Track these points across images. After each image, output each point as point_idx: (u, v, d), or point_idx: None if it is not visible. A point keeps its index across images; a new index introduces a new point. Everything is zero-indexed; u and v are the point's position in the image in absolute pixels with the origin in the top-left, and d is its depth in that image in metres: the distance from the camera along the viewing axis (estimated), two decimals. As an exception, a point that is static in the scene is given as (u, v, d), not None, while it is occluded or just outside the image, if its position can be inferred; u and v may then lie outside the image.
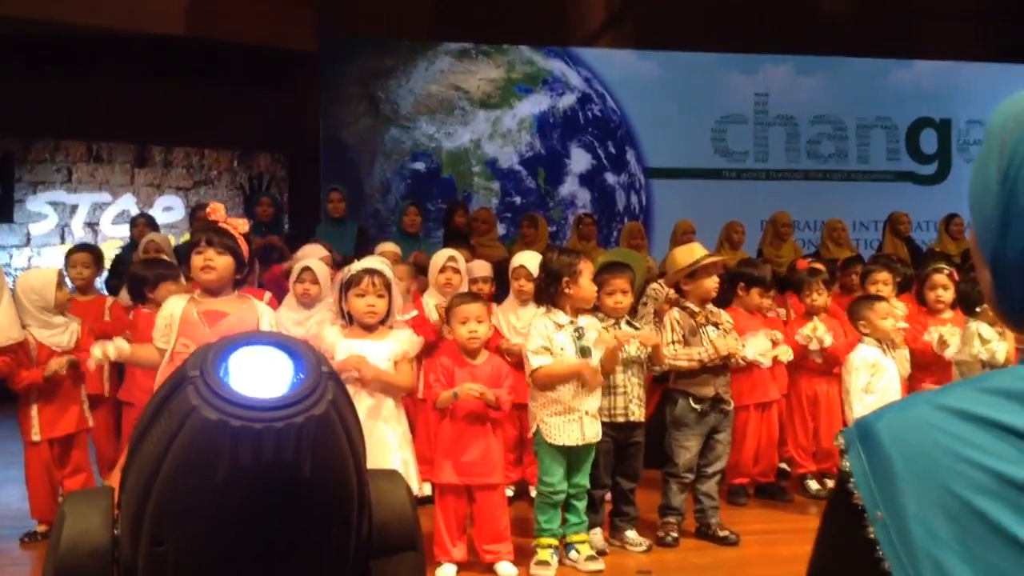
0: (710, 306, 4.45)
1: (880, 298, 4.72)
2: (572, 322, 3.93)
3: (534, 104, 9.94)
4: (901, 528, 0.65)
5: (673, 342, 4.26)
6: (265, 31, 8.84)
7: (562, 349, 3.85)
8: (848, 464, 0.69)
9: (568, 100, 10.03)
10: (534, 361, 3.83)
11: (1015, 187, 0.70)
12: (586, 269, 3.93)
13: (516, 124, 9.93)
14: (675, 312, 4.36)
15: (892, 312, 4.68)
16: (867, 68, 10.09)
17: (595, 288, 3.99)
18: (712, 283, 4.36)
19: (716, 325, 4.39)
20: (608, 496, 4.32)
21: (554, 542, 3.93)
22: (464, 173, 9.72)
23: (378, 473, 1.59)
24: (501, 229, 8.83)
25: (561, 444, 3.84)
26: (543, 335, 3.86)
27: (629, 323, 4.34)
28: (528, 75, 9.98)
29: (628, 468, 4.25)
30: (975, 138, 10.45)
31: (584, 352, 3.86)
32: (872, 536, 0.66)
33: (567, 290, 3.88)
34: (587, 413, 3.88)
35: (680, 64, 10.06)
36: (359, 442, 1.27)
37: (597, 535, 4.19)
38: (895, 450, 0.67)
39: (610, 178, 10.13)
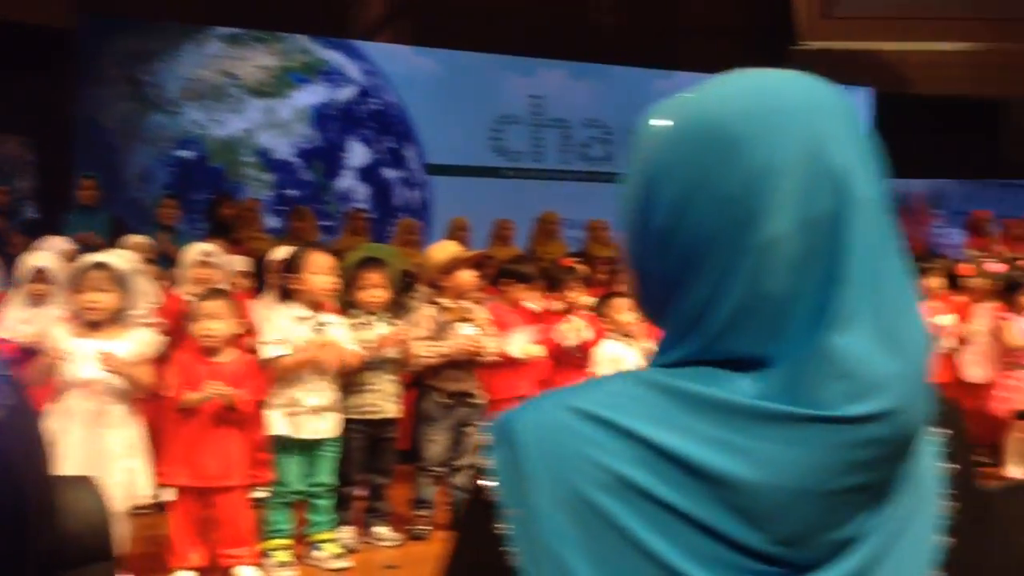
0: (465, 302, 4.52)
1: (620, 293, 4.93)
2: (314, 316, 3.89)
3: (311, 95, 9.73)
4: (531, 526, 0.67)
5: (423, 338, 4.29)
6: (16, 6, 8.15)
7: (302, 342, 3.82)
8: (487, 461, 0.70)
9: (347, 92, 9.91)
10: (269, 352, 3.77)
11: (653, 201, 0.72)
12: (313, 263, 3.91)
13: (292, 114, 9.69)
14: (428, 308, 4.41)
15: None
16: (633, 77, 10.58)
17: (328, 282, 3.96)
18: (468, 278, 4.43)
19: (471, 321, 4.47)
20: (364, 492, 4.31)
21: (287, 543, 3.87)
22: (234, 163, 9.38)
23: (69, 481, 1.52)
24: (275, 222, 8.60)
25: (289, 438, 3.80)
26: (279, 327, 3.82)
27: (388, 320, 4.36)
28: (305, 64, 9.76)
29: (380, 464, 4.25)
30: (730, 146, 11.21)
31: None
32: (505, 531, 0.68)
33: (295, 284, 3.86)
34: (320, 408, 3.85)
35: (459, 63, 10.16)
36: (40, 449, 1.23)
37: (347, 533, 4.16)
38: (530, 449, 0.68)
39: (389, 173, 10.10)
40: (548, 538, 0.66)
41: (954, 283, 6.34)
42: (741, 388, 0.67)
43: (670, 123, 0.72)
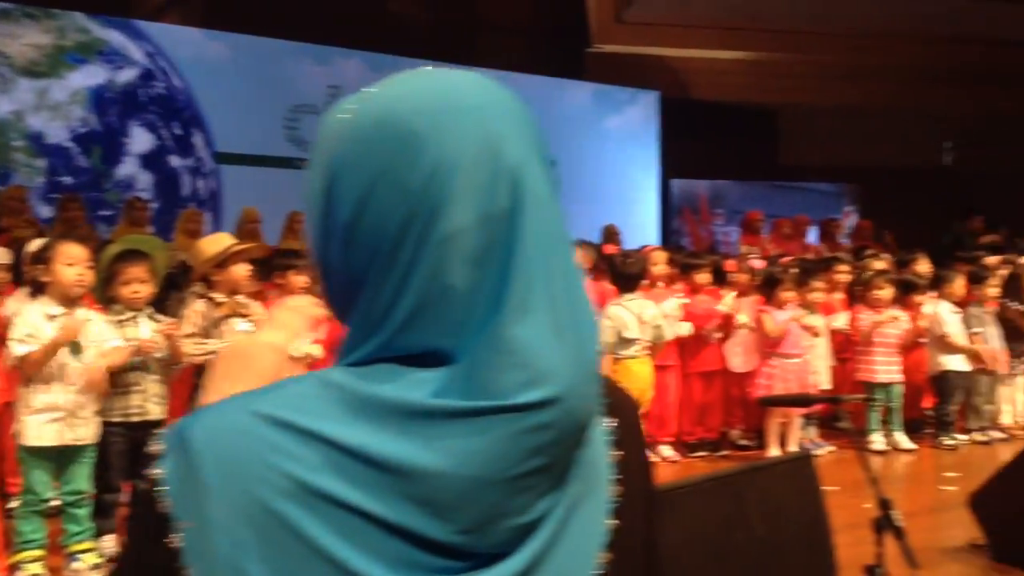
0: (240, 296, 4.39)
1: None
2: (66, 313, 3.66)
3: (88, 76, 9.13)
4: (206, 537, 0.64)
5: (191, 335, 4.13)
6: None
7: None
8: (158, 470, 0.67)
9: (128, 75, 9.36)
10: (18, 349, 3.52)
11: (334, 201, 0.72)
12: (64, 254, 3.69)
13: (67, 96, 9.05)
14: (198, 304, 4.24)
15: None
16: (433, 70, 10.58)
17: (78, 274, 3.74)
18: (241, 271, 4.29)
19: (246, 317, 4.34)
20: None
21: (39, 554, 3.63)
22: (2, 147, 8.67)
23: None
24: (49, 211, 8.02)
25: (41, 446, 3.57)
26: (29, 323, 3.57)
27: (151, 316, 4.16)
28: (82, 44, 9.13)
29: (144, 469, 4.05)
30: (527, 143, 11.45)
31: (75, 349, 3.61)
32: (177, 546, 0.64)
33: (45, 277, 3.63)
34: (74, 412, 3.64)
35: (252, 48, 9.82)
36: None
37: (109, 542, 3.95)
38: (207, 456, 0.65)
39: (175, 161, 9.63)
40: (225, 551, 0.64)
41: (722, 278, 6.75)
42: (422, 383, 0.68)
43: (352, 117, 0.72)
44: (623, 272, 5.75)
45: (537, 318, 0.67)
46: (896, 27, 12.28)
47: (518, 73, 11.27)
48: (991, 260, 7.45)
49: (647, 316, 5.62)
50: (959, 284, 6.71)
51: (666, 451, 6.26)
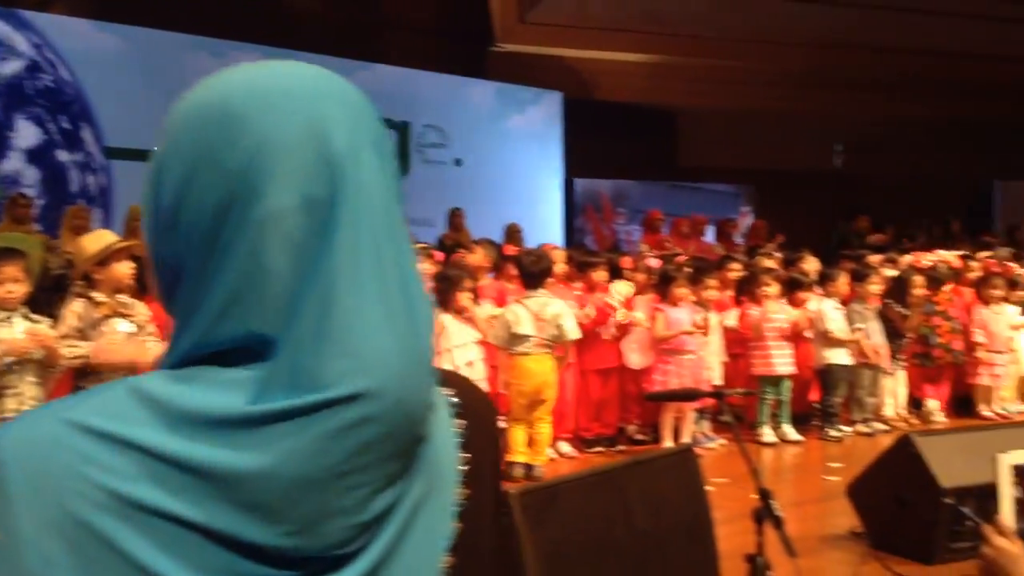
0: (122, 296, 4.24)
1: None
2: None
3: (-31, 67, 8.73)
4: (14, 551, 0.61)
5: (66, 336, 3.98)
6: None
7: None
8: None
9: (13, 67, 8.97)
10: None
11: (159, 188, 0.70)
12: None
13: (-54, 88, 8.65)
14: (76, 304, 4.09)
15: None
16: (333, 67, 10.21)
17: None
18: (124, 270, 4.15)
19: (128, 317, 4.20)
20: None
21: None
22: None
23: None
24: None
25: None
26: None
27: (26, 316, 4.00)
28: (-38, 33, 8.74)
29: None
30: (431, 141, 11.43)
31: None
32: None
33: None
34: None
35: (143, 40, 9.52)
36: None
37: None
38: (14, 468, 0.62)
39: (63, 156, 9.28)
40: (34, 565, 0.61)
41: (619, 276, 6.85)
42: (240, 385, 0.65)
43: (182, 104, 0.72)
44: (528, 270, 5.78)
45: (364, 305, 0.66)
46: (791, 34, 12.67)
47: (421, 71, 11.24)
48: (874, 259, 7.74)
49: (547, 314, 5.66)
50: (842, 282, 6.96)
51: (564, 447, 6.32)
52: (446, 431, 0.76)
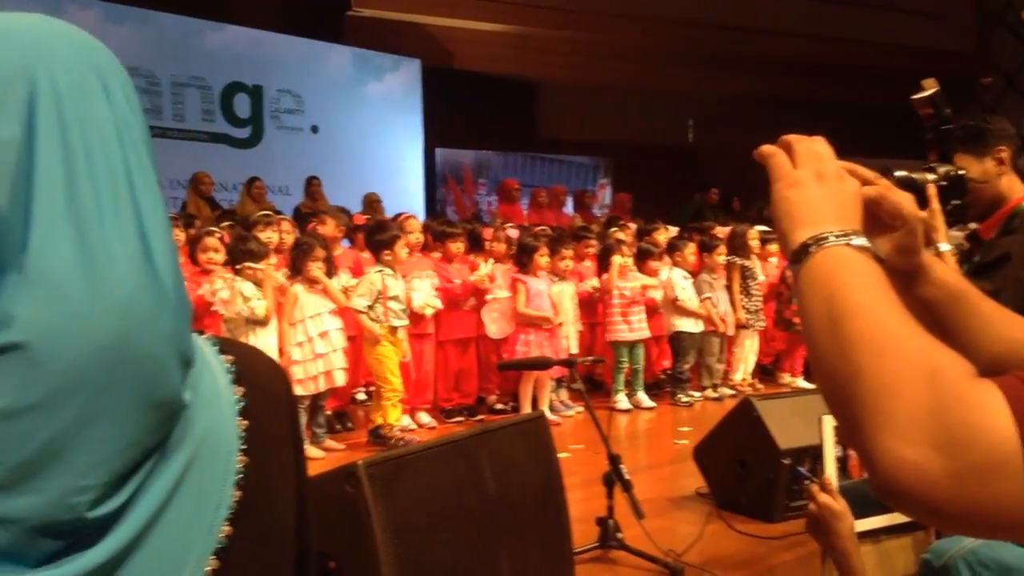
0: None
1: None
2: None
3: None
4: None
5: None
6: None
7: None
8: None
9: None
10: None
11: None
12: None
13: None
14: None
15: None
16: (180, 26, 10.01)
17: None
18: None
19: None
20: None
21: None
22: None
23: None
24: None
25: None
26: None
27: None
28: None
29: None
30: (286, 106, 11.10)
31: None
32: None
33: None
34: None
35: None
36: None
37: None
38: None
39: None
40: None
41: (479, 246, 6.87)
42: None
43: None
44: (374, 240, 5.75)
45: (55, 246, 0.65)
46: (649, 10, 12.95)
47: (276, 33, 10.88)
48: (719, 230, 8.03)
49: (397, 291, 5.65)
50: (690, 251, 7.20)
51: (424, 417, 6.31)
52: (218, 395, 0.75)
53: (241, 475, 0.74)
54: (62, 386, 0.63)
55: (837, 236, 0.82)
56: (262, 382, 0.81)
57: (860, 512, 2.25)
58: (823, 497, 2.11)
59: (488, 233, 7.16)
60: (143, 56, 9.73)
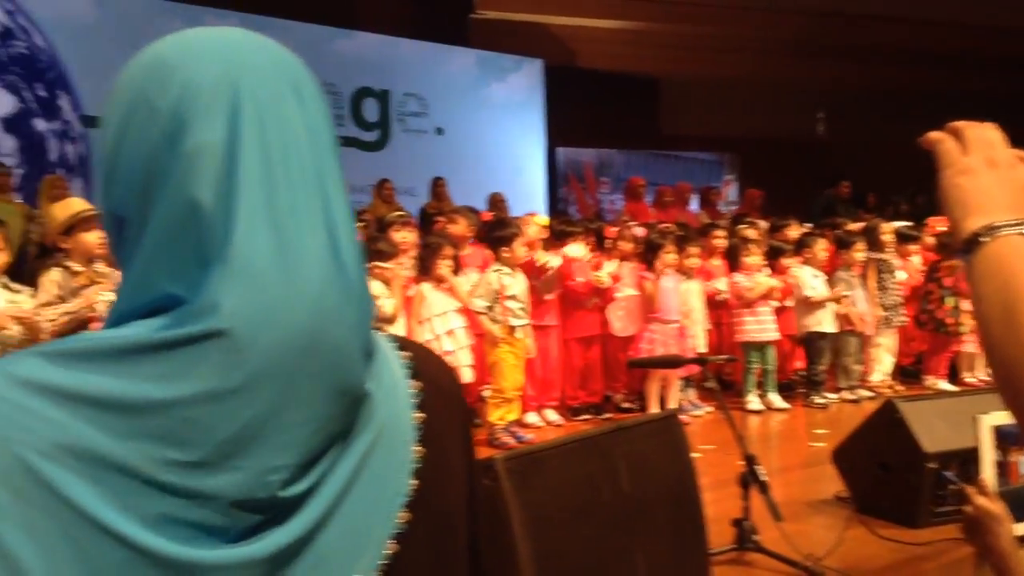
0: (99, 265, 4.18)
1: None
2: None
3: (-60, 34, 8.56)
4: None
5: (45, 304, 3.92)
6: None
7: None
8: None
9: (-15, 33, 8.81)
10: None
11: (105, 131, 0.74)
12: None
13: (-83, 55, 8.48)
14: (54, 272, 4.03)
15: None
16: (312, 34, 10.34)
17: None
18: (91, 239, 4.07)
19: (105, 286, 4.14)
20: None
21: None
22: None
23: None
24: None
25: None
26: None
27: (6, 286, 3.95)
28: (-69, 0, 8.55)
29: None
30: (412, 109, 11.33)
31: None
32: None
33: None
34: None
35: (118, 6, 9.37)
36: None
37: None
38: None
39: (40, 124, 9.14)
40: None
41: (602, 245, 6.82)
42: (155, 324, 0.68)
43: (126, 67, 0.76)
44: (492, 237, 5.79)
45: (257, 241, 0.68)
46: (774, 1, 12.61)
47: (401, 38, 11.11)
48: (854, 226, 7.74)
49: (515, 289, 5.68)
50: (820, 248, 6.95)
51: (551, 415, 6.32)
52: (397, 389, 0.79)
53: (417, 465, 0.77)
54: (260, 372, 0.66)
55: (1012, 225, 0.81)
56: (436, 378, 0.84)
57: (1020, 517, 2.13)
58: (981, 500, 2.00)
59: (611, 232, 7.11)
60: (278, 65, 10.05)
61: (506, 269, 5.66)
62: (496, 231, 5.80)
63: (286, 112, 0.74)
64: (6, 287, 3.97)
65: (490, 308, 5.59)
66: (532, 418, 6.18)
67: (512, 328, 5.65)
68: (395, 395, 0.78)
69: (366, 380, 0.74)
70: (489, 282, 5.61)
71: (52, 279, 3.99)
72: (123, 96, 0.74)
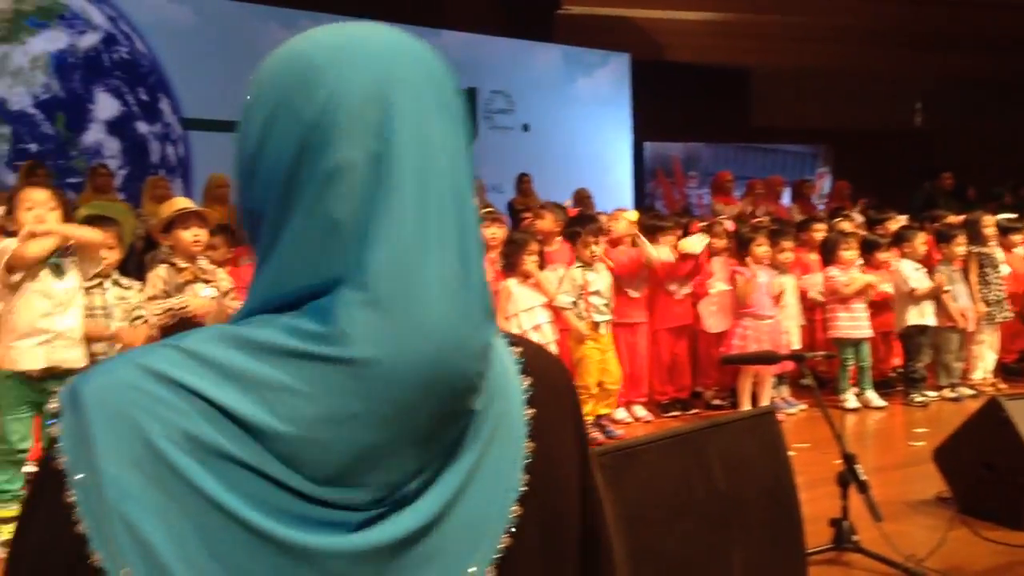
0: (203, 262, 4.32)
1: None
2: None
3: (49, 41, 8.94)
4: (98, 490, 0.66)
5: (152, 298, 4.08)
6: None
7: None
8: (56, 428, 0.68)
9: (90, 39, 9.18)
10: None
11: (246, 130, 0.74)
12: (24, 200, 3.73)
13: (28, 62, 8.88)
14: (161, 269, 4.18)
15: None
16: (400, 33, 10.46)
17: (34, 217, 3.73)
18: (191, 236, 4.18)
19: (209, 283, 4.28)
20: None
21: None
22: (-37, 115, 8.50)
23: None
24: (13, 179, 7.88)
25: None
26: None
27: (116, 282, 4.13)
28: (42, 8, 8.94)
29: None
30: (498, 106, 11.38)
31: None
32: (71, 500, 0.66)
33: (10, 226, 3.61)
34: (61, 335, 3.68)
35: (215, 11, 9.66)
36: None
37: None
38: (97, 412, 0.67)
39: (142, 127, 9.49)
40: (116, 501, 0.65)
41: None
42: (290, 330, 0.68)
43: (268, 60, 0.75)
44: (573, 233, 5.79)
45: (417, 268, 0.68)
46: (868, -12, 12.26)
47: (486, 36, 11.17)
48: (954, 219, 7.48)
49: (599, 285, 5.66)
50: (919, 241, 6.73)
51: (639, 411, 6.29)
52: (508, 385, 0.78)
53: (529, 460, 0.77)
54: (383, 400, 0.67)
55: None
56: (546, 374, 0.83)
57: None
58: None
59: (696, 227, 7.01)
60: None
61: (593, 265, 5.66)
62: (575, 226, 5.80)
63: (432, 134, 0.71)
64: (116, 283, 4.15)
65: (574, 304, 5.59)
66: (621, 414, 6.15)
67: (596, 324, 5.64)
68: (507, 392, 0.78)
69: (480, 399, 0.73)
70: (573, 278, 5.62)
71: (159, 275, 4.14)
72: (267, 96, 0.72)
